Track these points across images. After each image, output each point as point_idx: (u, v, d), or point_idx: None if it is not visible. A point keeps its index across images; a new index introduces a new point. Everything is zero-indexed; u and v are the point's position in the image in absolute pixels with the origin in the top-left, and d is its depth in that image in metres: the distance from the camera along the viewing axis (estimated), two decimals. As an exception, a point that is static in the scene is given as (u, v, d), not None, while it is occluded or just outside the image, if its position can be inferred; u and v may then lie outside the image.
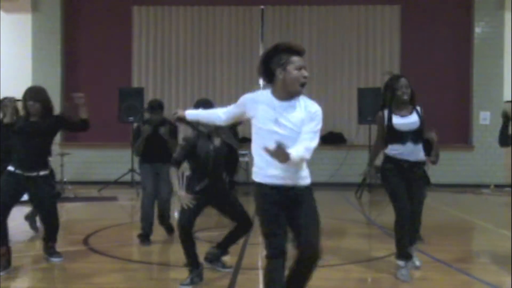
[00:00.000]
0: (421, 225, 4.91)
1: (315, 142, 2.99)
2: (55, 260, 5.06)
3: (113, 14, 12.70)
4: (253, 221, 4.81)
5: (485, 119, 12.30)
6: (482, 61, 12.29)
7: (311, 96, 3.20)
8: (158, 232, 6.65)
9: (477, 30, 12.35)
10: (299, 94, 3.04)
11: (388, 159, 4.69)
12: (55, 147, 9.75)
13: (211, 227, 6.79)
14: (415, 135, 4.60)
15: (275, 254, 3.01)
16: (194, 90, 12.72)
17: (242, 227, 4.69)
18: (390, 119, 4.62)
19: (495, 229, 6.98)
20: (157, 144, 6.13)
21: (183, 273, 4.81)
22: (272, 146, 2.76)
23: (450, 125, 12.40)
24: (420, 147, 4.68)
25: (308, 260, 3.02)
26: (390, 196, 4.64)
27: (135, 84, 12.54)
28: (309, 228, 3.02)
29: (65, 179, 10.20)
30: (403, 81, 4.66)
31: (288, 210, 3.06)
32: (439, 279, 4.63)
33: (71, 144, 11.86)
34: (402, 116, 4.62)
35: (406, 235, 4.55)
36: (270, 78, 3.06)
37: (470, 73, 12.46)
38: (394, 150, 4.62)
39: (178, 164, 4.51)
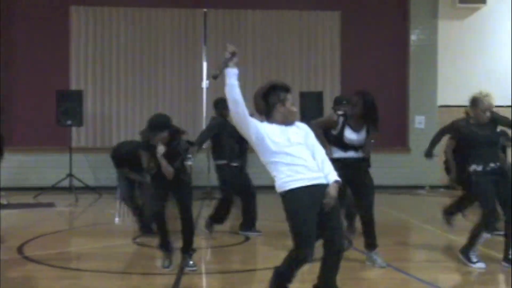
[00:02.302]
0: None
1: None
2: None
3: (50, 14, 12.25)
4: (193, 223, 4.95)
5: (420, 123, 12.78)
6: (417, 67, 12.78)
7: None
8: (97, 238, 6.49)
9: (413, 37, 12.83)
10: (293, 124, 3.62)
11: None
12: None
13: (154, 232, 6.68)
14: (358, 147, 5.03)
15: (307, 254, 3.39)
16: (136, 93, 12.49)
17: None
18: (342, 129, 4.94)
19: (431, 229, 7.25)
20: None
21: (125, 280, 4.72)
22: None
23: (388, 129, 12.74)
24: (360, 152, 5.05)
25: (335, 254, 3.48)
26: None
27: (73, 86, 12.15)
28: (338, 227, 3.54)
29: (-2, 185, 9.74)
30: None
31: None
32: (378, 277, 4.76)
33: (4, 148, 11.33)
34: (354, 130, 4.96)
35: None
36: (268, 111, 3.57)
37: (406, 78, 12.92)
38: (336, 153, 4.93)
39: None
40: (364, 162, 5.13)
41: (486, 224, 4.88)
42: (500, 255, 5.08)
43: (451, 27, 12.75)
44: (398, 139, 12.87)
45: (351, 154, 4.98)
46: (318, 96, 10.87)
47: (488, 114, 4.89)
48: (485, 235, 4.90)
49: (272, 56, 12.70)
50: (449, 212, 6.54)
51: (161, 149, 4.86)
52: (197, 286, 4.63)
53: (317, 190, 3.42)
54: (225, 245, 6.20)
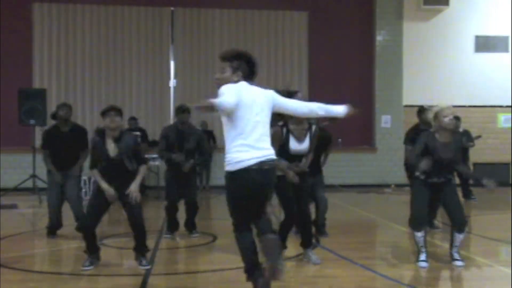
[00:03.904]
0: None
1: None
2: None
3: (12, 10, 11.96)
4: (145, 231, 5.01)
5: (387, 122, 13.00)
6: (383, 67, 12.99)
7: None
8: (61, 240, 6.36)
9: (379, 38, 13.03)
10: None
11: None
12: None
13: (120, 234, 6.60)
14: (303, 156, 5.07)
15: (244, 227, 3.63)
16: (101, 92, 12.31)
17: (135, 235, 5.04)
18: (287, 140, 4.94)
19: (396, 226, 7.38)
20: (65, 152, 6.36)
21: (91, 282, 4.63)
22: None
23: (355, 129, 12.97)
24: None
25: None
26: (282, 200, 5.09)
27: (36, 85, 11.89)
28: None
29: (-43, 187, 9.45)
30: (299, 95, 4.96)
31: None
32: (345, 275, 4.80)
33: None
34: (298, 140, 4.97)
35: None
36: None
37: (372, 78, 13.11)
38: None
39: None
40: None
41: (412, 225, 5.27)
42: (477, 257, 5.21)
43: (416, 28, 13.02)
44: (365, 138, 13.06)
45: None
46: (285, 96, 10.91)
47: (453, 119, 4.97)
48: (417, 234, 5.11)
49: (240, 56, 12.69)
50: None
51: None
52: (164, 286, 4.59)
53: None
54: (192, 246, 6.17)
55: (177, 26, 12.57)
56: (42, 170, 10.77)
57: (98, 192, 4.94)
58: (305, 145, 5.01)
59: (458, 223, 5.05)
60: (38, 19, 12.13)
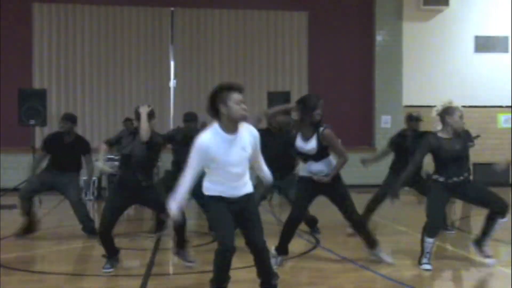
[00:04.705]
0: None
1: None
2: None
3: (11, 10, 11.95)
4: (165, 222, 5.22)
5: (386, 122, 12.99)
6: (383, 67, 12.99)
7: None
8: (61, 240, 6.36)
9: (378, 38, 13.03)
10: (242, 122, 3.57)
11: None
12: None
13: (120, 234, 6.59)
14: (315, 156, 4.97)
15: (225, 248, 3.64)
16: (101, 92, 12.30)
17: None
18: (295, 138, 4.96)
19: (396, 227, 7.38)
20: (65, 157, 6.47)
21: (91, 282, 4.63)
22: None
23: (354, 129, 12.98)
24: (322, 163, 5.03)
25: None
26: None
27: (36, 85, 11.89)
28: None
29: (-43, 187, 9.44)
30: (322, 102, 4.89)
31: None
32: (346, 276, 4.80)
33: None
34: (304, 139, 4.91)
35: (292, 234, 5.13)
36: (216, 114, 3.56)
37: (372, 78, 13.11)
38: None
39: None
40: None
41: (428, 231, 5.01)
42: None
43: (416, 28, 13.02)
44: (364, 138, 13.06)
45: (311, 165, 4.97)
46: (285, 96, 10.91)
47: (463, 121, 4.93)
48: (428, 240, 4.99)
49: (240, 56, 12.70)
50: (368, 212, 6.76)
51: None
52: (163, 287, 4.59)
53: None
54: (192, 246, 6.16)
55: (177, 26, 12.56)
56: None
57: (115, 195, 4.95)
58: (310, 145, 4.89)
59: (499, 207, 4.90)
60: (38, 19, 12.12)
